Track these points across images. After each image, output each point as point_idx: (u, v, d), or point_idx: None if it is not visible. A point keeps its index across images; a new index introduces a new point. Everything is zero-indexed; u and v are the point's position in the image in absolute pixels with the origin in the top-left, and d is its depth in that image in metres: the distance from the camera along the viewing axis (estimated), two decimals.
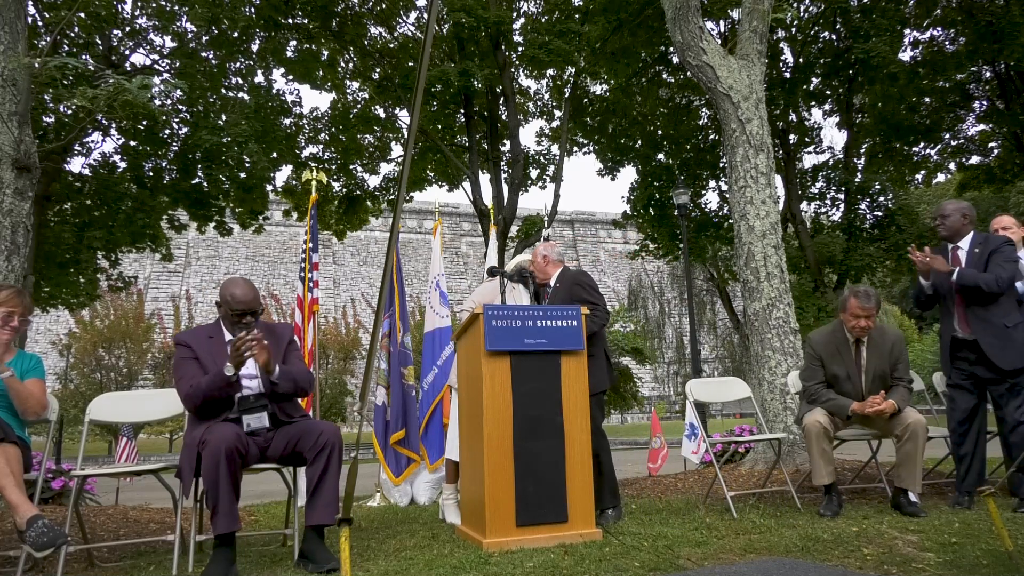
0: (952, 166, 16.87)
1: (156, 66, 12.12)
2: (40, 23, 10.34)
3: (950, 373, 3.90)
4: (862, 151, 16.88)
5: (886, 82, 13.46)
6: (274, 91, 13.19)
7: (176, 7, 11.54)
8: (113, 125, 11.57)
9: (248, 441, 2.93)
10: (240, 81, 12.97)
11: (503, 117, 14.87)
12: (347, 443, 3.16)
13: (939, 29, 14.02)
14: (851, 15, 13.27)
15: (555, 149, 16.55)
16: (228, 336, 3.14)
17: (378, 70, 14.66)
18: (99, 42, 11.34)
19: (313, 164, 13.88)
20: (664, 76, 15.28)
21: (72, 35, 11.02)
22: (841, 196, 16.33)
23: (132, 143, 11.98)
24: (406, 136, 13.56)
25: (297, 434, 3.04)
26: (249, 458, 2.94)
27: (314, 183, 6.51)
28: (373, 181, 16.06)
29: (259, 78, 13.14)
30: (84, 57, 10.65)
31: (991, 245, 3.77)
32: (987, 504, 2.51)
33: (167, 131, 11.93)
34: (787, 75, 14.63)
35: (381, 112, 15.16)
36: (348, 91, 15.10)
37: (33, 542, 2.47)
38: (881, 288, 24.70)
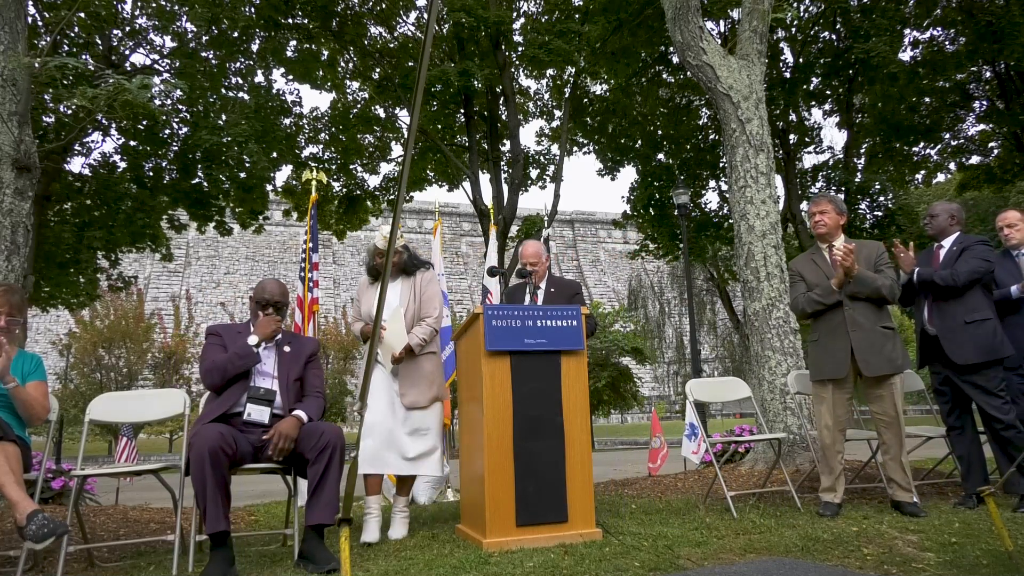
0: (952, 166, 16.88)
1: (156, 66, 12.11)
2: (40, 23, 10.33)
3: (931, 379, 4.07)
4: (862, 151, 16.89)
5: (886, 82, 13.46)
6: (274, 91, 13.19)
7: (176, 7, 11.53)
8: (113, 125, 11.56)
9: (236, 440, 2.92)
10: (240, 81, 12.97)
11: (503, 117, 14.87)
12: (347, 443, 3.16)
13: (939, 29, 14.01)
14: (851, 15, 13.26)
15: (555, 149, 16.56)
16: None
17: (378, 70, 14.67)
18: (99, 42, 11.33)
19: (313, 164, 13.90)
20: (664, 76, 15.28)
21: (72, 35, 11.01)
22: (841, 196, 16.30)
23: (132, 143, 11.97)
24: (406, 136, 13.51)
25: (300, 431, 3.05)
26: (240, 456, 2.95)
27: (314, 183, 6.51)
28: (373, 181, 16.13)
29: (259, 78, 13.15)
30: (84, 57, 10.65)
31: (965, 244, 3.91)
32: (987, 504, 2.51)
33: (167, 131, 11.92)
34: (787, 75, 14.63)
35: (381, 112, 15.17)
36: (348, 91, 15.11)
37: (33, 535, 2.47)
38: None
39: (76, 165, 19.46)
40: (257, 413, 3.08)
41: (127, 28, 11.66)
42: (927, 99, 15.16)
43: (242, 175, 12.30)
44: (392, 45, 14.56)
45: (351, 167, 15.24)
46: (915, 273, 3.86)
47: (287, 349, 3.31)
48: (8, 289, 3.06)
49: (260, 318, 3.28)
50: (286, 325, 3.52)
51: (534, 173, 16.70)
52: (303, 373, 3.30)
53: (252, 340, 3.19)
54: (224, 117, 11.81)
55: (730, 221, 9.52)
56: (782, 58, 14.83)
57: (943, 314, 3.82)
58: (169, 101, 11.61)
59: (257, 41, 12.74)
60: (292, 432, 3.00)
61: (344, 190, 15.50)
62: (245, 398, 3.11)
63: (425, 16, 13.70)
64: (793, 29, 14.04)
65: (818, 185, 16.52)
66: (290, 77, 13.69)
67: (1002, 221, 4.16)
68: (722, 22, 13.97)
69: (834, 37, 14.49)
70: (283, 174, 14.51)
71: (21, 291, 3.26)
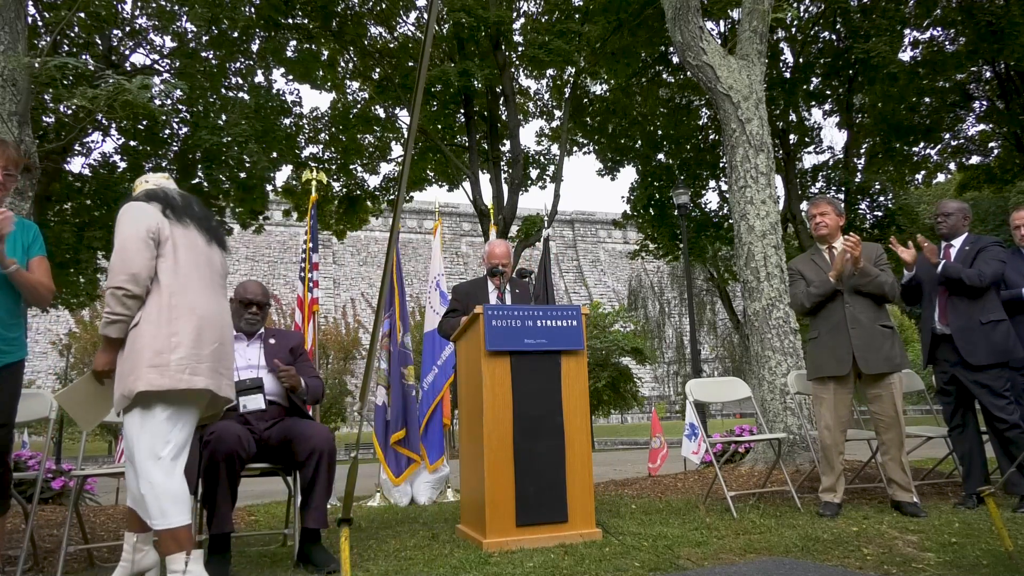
0: (952, 166, 16.88)
1: (156, 66, 12.12)
2: (40, 23, 10.34)
3: (935, 378, 4.03)
4: (862, 151, 16.88)
5: (886, 82, 13.46)
6: (274, 91, 13.18)
7: (176, 7, 11.53)
8: (113, 125, 11.56)
9: (249, 441, 2.94)
10: (240, 81, 12.97)
11: (503, 117, 14.87)
12: (347, 443, 3.17)
13: (939, 29, 14.01)
14: (851, 15, 13.27)
15: (555, 149, 16.55)
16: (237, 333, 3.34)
17: (378, 70, 14.66)
18: (99, 42, 11.33)
19: (313, 164, 13.88)
20: (664, 76, 15.27)
21: (72, 35, 11.01)
22: (841, 196, 16.33)
23: (132, 143, 11.97)
24: (406, 136, 13.56)
25: (293, 432, 3.08)
26: (249, 457, 2.96)
27: (314, 183, 6.52)
28: (373, 181, 16.07)
29: (259, 78, 13.14)
30: (84, 57, 10.64)
31: (980, 244, 3.89)
32: (987, 504, 2.51)
33: (167, 131, 11.92)
34: (787, 75, 14.62)
35: (381, 112, 15.16)
36: (348, 91, 15.10)
37: None
38: None
39: (76, 165, 19.41)
40: (252, 403, 3.12)
41: (127, 28, 11.66)
42: (927, 99, 15.15)
43: (242, 175, 12.29)
44: (392, 45, 14.55)
45: (351, 167, 15.22)
46: (940, 266, 3.81)
47: (272, 341, 3.41)
48: (1, 142, 2.67)
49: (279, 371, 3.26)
50: (286, 325, 3.54)
51: (534, 173, 16.68)
52: (293, 363, 3.37)
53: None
54: (224, 117, 11.79)
55: (730, 221, 9.52)
56: (782, 58, 14.83)
57: (958, 313, 3.79)
58: (169, 101, 11.60)
59: (257, 41, 12.74)
60: (296, 382, 3.24)
61: (344, 190, 15.49)
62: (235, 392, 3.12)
63: (425, 16, 13.70)
64: (793, 29, 14.04)
65: (818, 185, 16.52)
66: (290, 77, 13.68)
67: (1018, 220, 4.10)
68: (722, 22, 13.96)
69: (834, 37, 14.48)
70: (283, 174, 14.50)
71: (15, 144, 2.89)
